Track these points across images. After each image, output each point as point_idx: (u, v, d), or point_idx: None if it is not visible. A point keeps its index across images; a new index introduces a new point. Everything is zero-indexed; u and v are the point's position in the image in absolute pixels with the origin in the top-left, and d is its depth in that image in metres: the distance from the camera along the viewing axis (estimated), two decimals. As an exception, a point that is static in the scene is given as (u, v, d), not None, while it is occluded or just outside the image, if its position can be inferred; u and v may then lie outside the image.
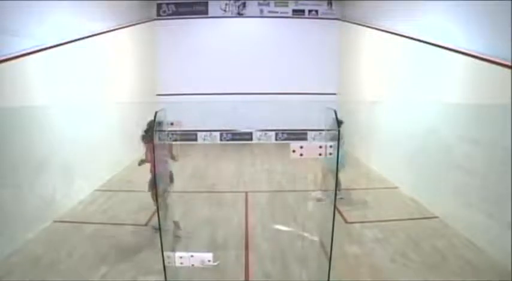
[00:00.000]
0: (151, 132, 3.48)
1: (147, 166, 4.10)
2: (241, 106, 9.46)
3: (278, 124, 10.34)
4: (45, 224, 4.49)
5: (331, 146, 2.14)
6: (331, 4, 10.22)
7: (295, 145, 2.12)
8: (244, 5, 10.28)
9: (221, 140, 10.65)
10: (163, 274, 2.45)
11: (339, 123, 2.18)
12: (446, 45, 4.71)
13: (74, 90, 5.44)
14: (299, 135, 10.47)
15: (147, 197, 4.34)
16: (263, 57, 10.35)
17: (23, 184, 4.13)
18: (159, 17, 10.17)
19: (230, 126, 10.37)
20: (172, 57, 10.26)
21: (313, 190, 5.60)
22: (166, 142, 4.18)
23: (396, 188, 6.08)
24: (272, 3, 10.28)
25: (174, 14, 10.19)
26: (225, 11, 10.29)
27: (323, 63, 10.31)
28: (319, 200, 5.47)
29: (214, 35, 10.25)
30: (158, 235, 2.47)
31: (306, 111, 8.78)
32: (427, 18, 5.31)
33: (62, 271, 3.45)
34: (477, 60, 4.06)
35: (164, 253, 2.40)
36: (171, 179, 4.12)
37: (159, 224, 2.47)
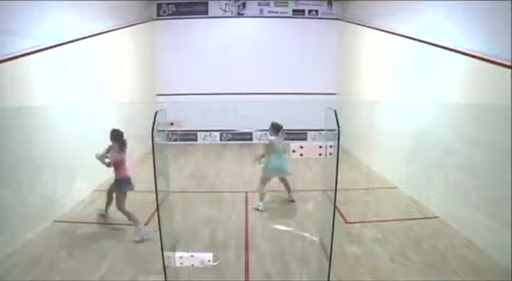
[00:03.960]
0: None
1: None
2: (237, 107, 9.43)
3: (278, 124, 10.34)
4: (45, 224, 4.49)
5: (331, 146, 2.14)
6: (331, 4, 10.22)
7: (295, 144, 2.12)
8: (244, 5, 10.27)
9: (221, 140, 10.66)
10: (163, 274, 2.45)
11: (337, 123, 2.18)
12: (446, 45, 4.71)
13: (74, 90, 5.44)
14: (299, 135, 10.47)
15: (147, 197, 4.33)
16: (263, 57, 10.34)
17: (23, 184, 4.14)
18: (159, 17, 10.17)
19: (230, 126, 10.38)
20: (172, 57, 10.25)
21: (314, 190, 5.59)
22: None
23: (396, 188, 6.08)
24: (272, 3, 10.28)
25: (174, 14, 10.19)
26: (225, 11, 10.29)
27: (323, 63, 10.31)
28: (292, 200, 5.54)
29: (214, 35, 10.24)
30: (158, 235, 2.47)
31: (306, 111, 8.79)
32: (427, 18, 5.31)
33: (62, 271, 3.45)
34: (477, 60, 4.06)
35: (164, 253, 2.40)
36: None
37: (159, 224, 2.47)
